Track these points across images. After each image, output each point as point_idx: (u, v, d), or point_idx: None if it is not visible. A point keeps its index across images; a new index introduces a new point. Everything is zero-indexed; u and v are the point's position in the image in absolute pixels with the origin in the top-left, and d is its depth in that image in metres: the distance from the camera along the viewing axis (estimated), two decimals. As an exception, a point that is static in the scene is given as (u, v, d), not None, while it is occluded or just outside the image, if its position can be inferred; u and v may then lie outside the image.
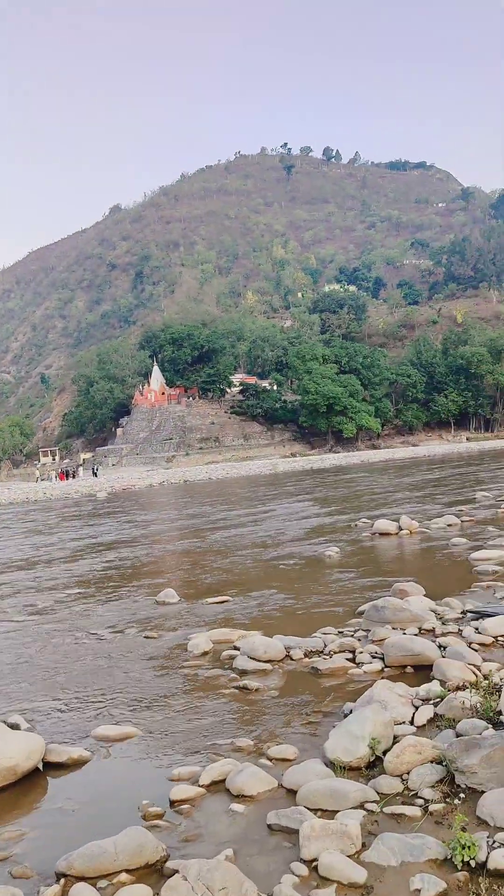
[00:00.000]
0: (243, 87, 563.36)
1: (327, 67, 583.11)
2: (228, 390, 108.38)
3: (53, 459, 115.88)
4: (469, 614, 7.50)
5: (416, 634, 7.09)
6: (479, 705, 4.81)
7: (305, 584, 10.62)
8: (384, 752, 4.40)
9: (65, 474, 78.38)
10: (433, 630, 7.14)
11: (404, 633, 7.11)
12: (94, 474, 75.59)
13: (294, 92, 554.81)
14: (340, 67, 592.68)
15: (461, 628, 7.08)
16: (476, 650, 6.45)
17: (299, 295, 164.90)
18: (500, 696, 4.81)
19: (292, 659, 6.82)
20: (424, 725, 4.88)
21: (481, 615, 7.27)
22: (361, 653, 6.70)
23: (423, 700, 5.23)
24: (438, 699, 5.16)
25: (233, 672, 6.63)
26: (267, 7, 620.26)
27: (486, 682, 5.50)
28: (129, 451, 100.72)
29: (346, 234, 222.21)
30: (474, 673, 5.68)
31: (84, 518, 27.32)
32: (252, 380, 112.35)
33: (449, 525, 15.56)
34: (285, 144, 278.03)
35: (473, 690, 5.25)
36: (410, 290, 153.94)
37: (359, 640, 7.22)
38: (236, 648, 7.30)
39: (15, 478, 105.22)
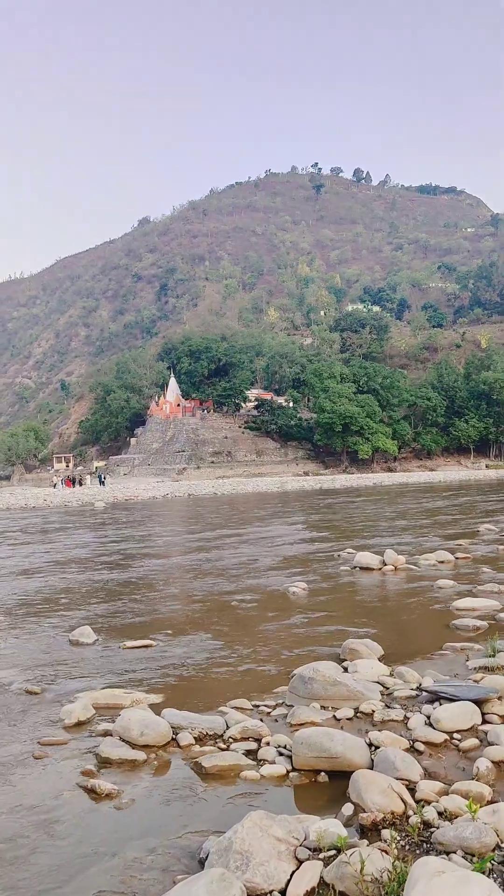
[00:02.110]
0: (277, 108, 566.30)
1: (361, 91, 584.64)
2: (244, 405, 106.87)
3: (67, 466, 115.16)
4: (424, 693, 5.76)
5: (350, 718, 5.39)
6: (386, 875, 3.11)
7: (250, 628, 8.93)
8: None
9: (71, 481, 77.06)
10: (372, 714, 5.42)
11: (335, 717, 5.41)
12: (101, 483, 74.22)
13: (327, 113, 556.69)
14: (374, 92, 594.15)
15: (408, 715, 5.35)
16: (420, 752, 4.73)
17: (322, 313, 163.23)
18: (418, 858, 3.09)
19: (178, 745, 5.13)
20: (301, 901, 3.18)
21: (439, 697, 5.54)
22: (267, 744, 4.99)
23: (312, 850, 3.52)
24: (334, 851, 3.45)
25: (94, 760, 4.94)
26: (305, 32, 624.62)
27: (416, 816, 3.79)
28: (141, 461, 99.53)
29: (373, 254, 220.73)
30: (403, 799, 3.97)
31: (66, 529, 25.75)
32: (268, 395, 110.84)
33: (440, 562, 13.79)
34: (316, 164, 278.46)
35: (392, 834, 3.55)
36: (435, 313, 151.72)
37: (275, 720, 5.52)
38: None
39: (27, 482, 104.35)
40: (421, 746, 4.79)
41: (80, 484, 77.02)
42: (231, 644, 8.17)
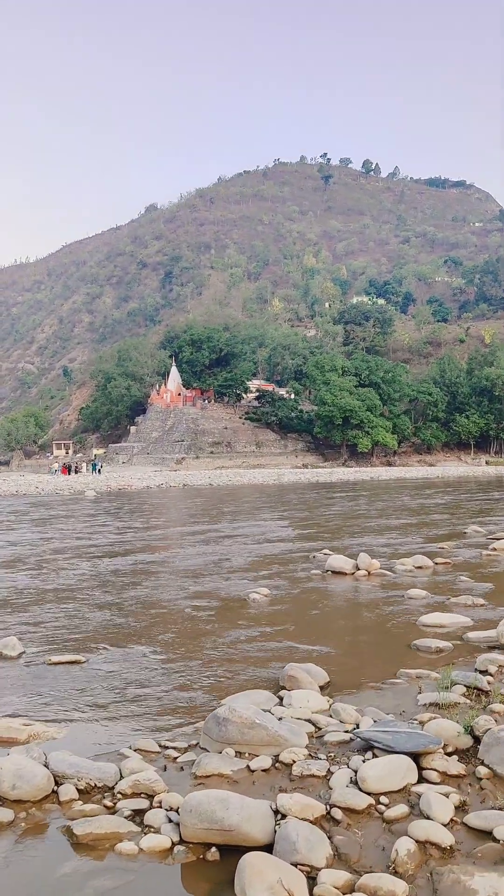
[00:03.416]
0: (286, 97, 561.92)
1: (372, 82, 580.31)
2: (245, 396, 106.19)
3: (67, 453, 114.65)
4: (358, 739, 4.95)
5: (266, 769, 4.59)
6: None
7: (196, 642, 8.15)
8: None
9: (67, 469, 76.46)
10: (291, 765, 4.63)
11: (249, 767, 4.62)
12: (96, 471, 73.56)
13: (337, 104, 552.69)
14: (385, 82, 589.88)
15: (332, 769, 4.56)
16: (338, 822, 3.94)
17: (326, 305, 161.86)
18: None
19: (58, 800, 4.34)
20: None
21: (372, 745, 4.74)
22: (159, 805, 4.21)
23: None
24: None
25: (-48, 819, 4.16)
26: (313, 20, 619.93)
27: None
28: (140, 449, 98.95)
29: (380, 247, 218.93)
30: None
31: (44, 520, 25.00)
32: (270, 387, 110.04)
33: (418, 567, 12.99)
34: (325, 154, 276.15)
35: None
36: (440, 307, 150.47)
37: (181, 768, 4.73)
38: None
39: (26, 468, 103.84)
40: (339, 814, 4.00)
41: (76, 471, 76.37)
42: (169, 661, 7.40)
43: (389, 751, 4.55)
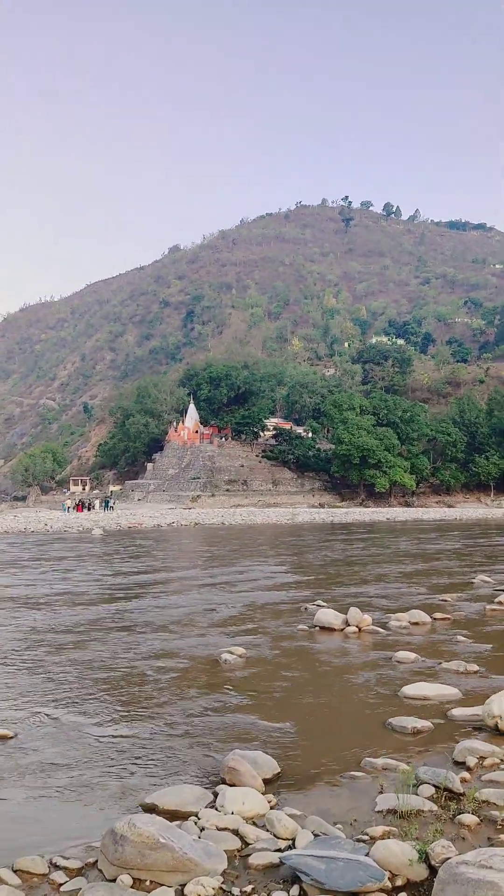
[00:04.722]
0: (309, 141, 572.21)
1: (394, 126, 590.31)
2: (262, 434, 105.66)
3: (84, 489, 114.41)
4: (286, 864, 4.01)
5: (165, 905, 3.68)
6: None
7: (144, 713, 7.23)
8: None
9: (81, 505, 75.99)
10: (196, 902, 3.71)
11: (143, 901, 3.70)
12: (107, 508, 73.02)
13: (359, 148, 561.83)
14: (407, 127, 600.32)
15: (244, 911, 3.64)
16: None
17: (346, 345, 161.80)
18: None
19: None
20: None
21: (298, 876, 3.79)
22: None
23: None
24: None
25: None
26: (337, 65, 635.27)
27: None
28: (156, 486, 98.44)
29: (400, 288, 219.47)
30: None
31: (30, 562, 24.22)
32: (287, 425, 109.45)
33: (413, 623, 11.97)
34: (346, 197, 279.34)
35: None
36: (460, 347, 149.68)
37: (64, 899, 3.82)
38: None
39: (42, 504, 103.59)
40: None
41: (90, 508, 75.81)
42: (105, 738, 6.48)
43: (319, 888, 3.62)
